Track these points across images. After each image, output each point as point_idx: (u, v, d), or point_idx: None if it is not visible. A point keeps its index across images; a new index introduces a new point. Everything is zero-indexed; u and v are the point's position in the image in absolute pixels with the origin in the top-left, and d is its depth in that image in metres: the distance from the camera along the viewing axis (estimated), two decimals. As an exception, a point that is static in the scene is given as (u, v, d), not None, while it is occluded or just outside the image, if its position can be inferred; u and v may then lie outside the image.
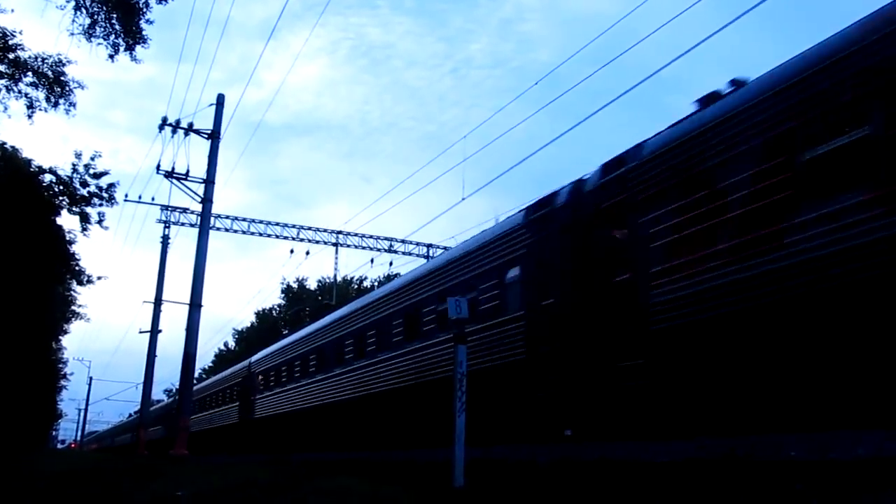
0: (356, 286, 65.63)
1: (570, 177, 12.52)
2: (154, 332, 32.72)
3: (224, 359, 73.57)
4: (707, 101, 9.70)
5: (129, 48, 17.93)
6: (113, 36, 17.68)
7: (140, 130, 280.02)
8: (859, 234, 6.86)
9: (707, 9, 12.71)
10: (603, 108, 13.99)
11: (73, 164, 23.42)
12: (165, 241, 32.30)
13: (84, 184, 23.62)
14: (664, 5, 12.54)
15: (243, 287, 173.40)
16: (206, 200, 19.97)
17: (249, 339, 71.06)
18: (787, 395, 7.70)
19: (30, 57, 19.48)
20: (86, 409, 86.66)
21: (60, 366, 59.44)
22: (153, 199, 29.89)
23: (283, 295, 73.23)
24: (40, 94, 20.04)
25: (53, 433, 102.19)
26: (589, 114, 26.70)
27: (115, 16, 17.48)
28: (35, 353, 31.88)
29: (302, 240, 33.67)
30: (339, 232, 34.02)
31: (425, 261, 32.08)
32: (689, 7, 11.63)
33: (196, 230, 20.57)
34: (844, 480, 5.82)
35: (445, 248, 30.21)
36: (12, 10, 19.02)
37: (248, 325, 76.67)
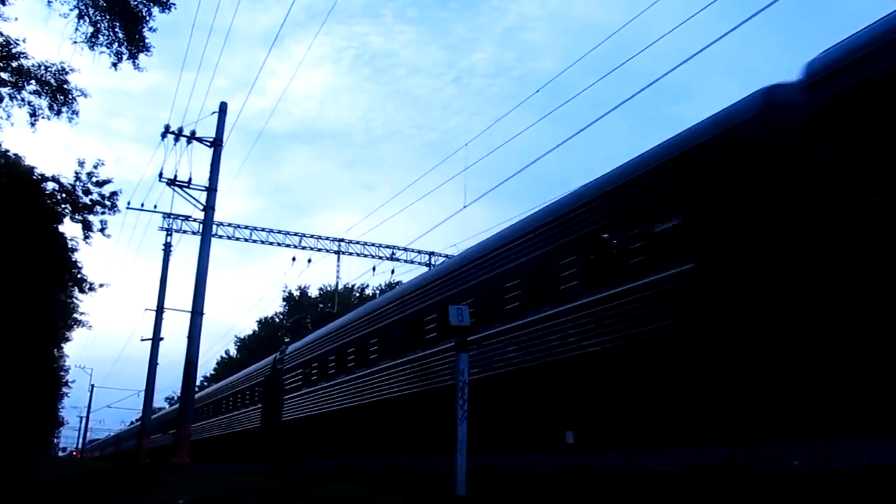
0: (358, 294, 65.64)
1: (572, 185, 12.39)
2: (156, 339, 32.67)
3: (226, 366, 73.56)
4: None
5: (132, 56, 17.98)
6: (116, 44, 17.74)
7: (144, 138, 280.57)
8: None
9: (711, 17, 12.73)
10: (604, 116, 14.01)
11: (76, 172, 23.47)
12: (167, 248, 32.30)
13: (87, 192, 23.67)
14: (667, 14, 12.56)
15: (245, 294, 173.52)
16: (209, 208, 19.97)
17: (251, 347, 71.04)
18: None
19: (33, 65, 19.56)
20: (87, 417, 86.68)
21: (62, 373, 59.50)
22: (155, 206, 29.88)
23: (284, 303, 73.29)
24: (43, 103, 20.12)
25: (55, 441, 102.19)
26: (591, 121, 26.68)
27: (117, 24, 17.53)
28: (36, 360, 31.90)
29: (304, 248, 33.69)
30: (341, 240, 34.05)
31: (426, 269, 32.09)
32: (692, 16, 11.63)
33: (198, 238, 20.59)
34: (847, 490, 5.79)
35: (447, 256, 30.18)
36: (16, 19, 19.16)
37: (251, 332, 76.74)
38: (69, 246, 25.62)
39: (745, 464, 7.18)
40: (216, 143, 20.27)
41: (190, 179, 20.51)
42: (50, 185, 23.12)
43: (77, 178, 23.47)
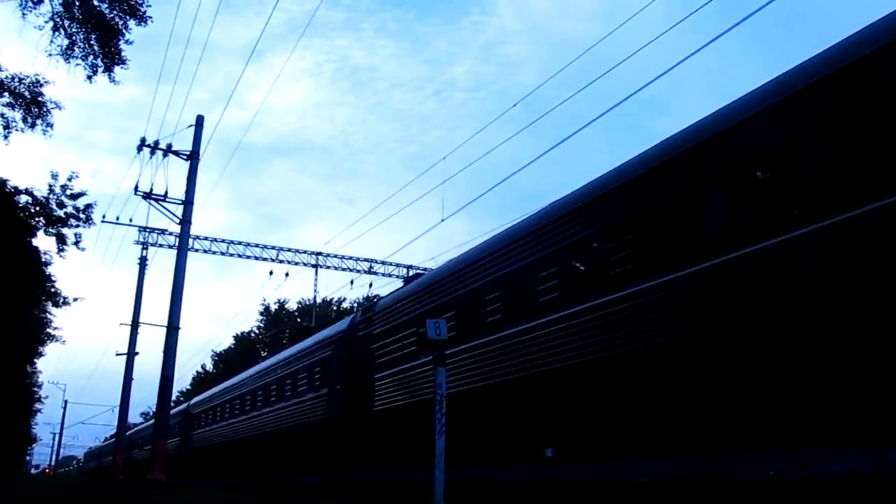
0: (336, 308, 65.37)
1: (550, 197, 12.68)
2: (131, 354, 32.34)
3: (202, 381, 72.82)
4: (408, 280, 19.11)
5: (108, 69, 17.85)
6: (91, 57, 17.60)
7: (122, 151, 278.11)
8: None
9: (687, 32, 12.91)
10: (581, 130, 14.21)
11: (50, 185, 23.13)
12: (143, 262, 32.03)
13: (61, 205, 23.33)
14: (645, 29, 12.71)
15: (222, 309, 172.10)
16: (185, 222, 19.86)
17: (228, 362, 70.41)
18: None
19: (6, 77, 19.32)
20: (60, 434, 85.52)
21: (35, 389, 58.61)
22: (131, 220, 29.65)
23: (261, 317, 72.71)
24: (17, 115, 19.84)
25: (27, 458, 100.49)
26: (568, 135, 26.89)
27: (94, 37, 17.41)
28: (8, 376, 31.40)
29: (282, 261, 33.51)
30: (319, 253, 33.90)
31: (402, 283, 32.04)
32: (668, 30, 11.80)
33: (174, 251, 20.46)
34: (822, 499, 5.86)
35: (425, 269, 30.18)
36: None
37: (227, 347, 76.04)
38: (42, 259, 25.29)
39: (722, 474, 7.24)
40: (192, 157, 20.19)
41: (166, 193, 20.43)
42: (23, 198, 22.80)
43: (51, 190, 23.16)
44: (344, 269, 34.48)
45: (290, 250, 33.68)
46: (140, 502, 10.23)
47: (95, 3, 17.24)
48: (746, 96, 8.69)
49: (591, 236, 10.56)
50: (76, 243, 24.26)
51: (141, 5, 17.37)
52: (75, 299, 31.08)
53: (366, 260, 34.64)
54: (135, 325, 32.21)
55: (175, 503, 9.68)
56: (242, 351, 70.70)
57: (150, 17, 17.56)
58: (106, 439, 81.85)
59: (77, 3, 17.16)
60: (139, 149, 20.86)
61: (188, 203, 19.96)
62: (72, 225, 23.79)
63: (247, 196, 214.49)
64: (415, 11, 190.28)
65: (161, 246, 31.51)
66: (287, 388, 23.11)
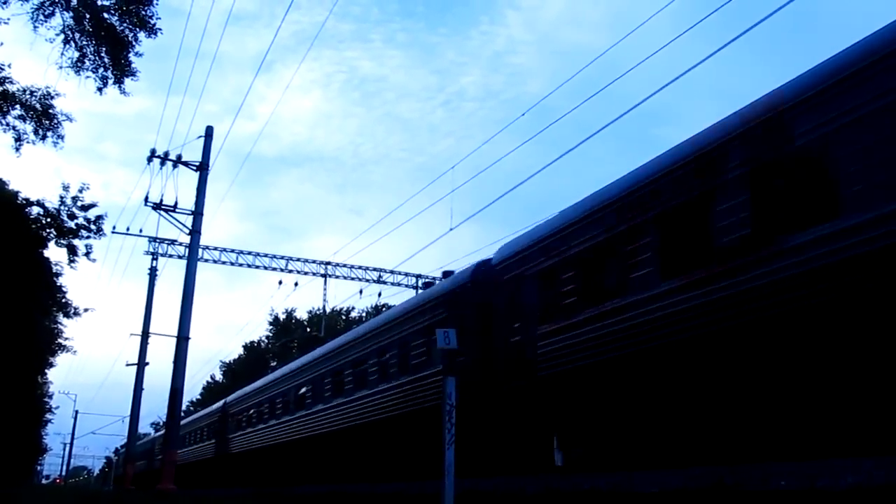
0: (345, 317, 65.42)
1: (558, 206, 12.64)
2: (141, 364, 32.40)
3: (212, 391, 72.92)
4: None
5: (118, 81, 17.92)
6: (102, 69, 17.68)
7: (132, 162, 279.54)
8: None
9: (693, 41, 12.90)
10: (589, 139, 14.09)
11: (61, 196, 23.30)
12: (153, 273, 32.10)
13: (72, 216, 23.48)
14: (651, 39, 12.72)
15: (232, 319, 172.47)
16: (194, 232, 19.90)
17: (237, 372, 70.48)
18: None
19: (18, 90, 19.45)
20: (71, 444, 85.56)
21: (46, 399, 58.81)
22: (141, 230, 29.65)
23: (271, 327, 72.77)
24: (28, 127, 19.96)
25: (38, 468, 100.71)
26: (576, 144, 26.87)
27: (104, 49, 17.50)
28: (20, 387, 31.53)
29: (291, 271, 33.53)
30: (328, 263, 33.92)
31: (414, 292, 32.06)
32: (673, 39, 11.78)
33: (184, 262, 20.49)
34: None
35: (434, 278, 30.12)
36: (1, 44, 19.03)
37: (236, 357, 76.16)
38: (53, 270, 25.43)
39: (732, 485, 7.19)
40: (202, 168, 20.23)
41: (176, 203, 20.43)
42: (35, 210, 22.96)
43: (62, 202, 23.31)
44: (353, 279, 34.50)
45: (299, 260, 33.74)
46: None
47: (106, 15, 17.35)
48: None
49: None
50: (87, 254, 24.43)
51: (151, 17, 17.45)
52: (86, 310, 31.34)
53: (375, 269, 34.64)
54: (145, 335, 32.27)
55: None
56: (251, 361, 70.78)
57: (160, 29, 17.64)
58: (117, 450, 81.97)
59: (88, 16, 17.26)
60: (149, 160, 20.92)
61: (198, 214, 19.99)
62: (82, 236, 23.97)
63: (256, 206, 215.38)
64: (423, 22, 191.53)
65: (171, 256, 31.58)
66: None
